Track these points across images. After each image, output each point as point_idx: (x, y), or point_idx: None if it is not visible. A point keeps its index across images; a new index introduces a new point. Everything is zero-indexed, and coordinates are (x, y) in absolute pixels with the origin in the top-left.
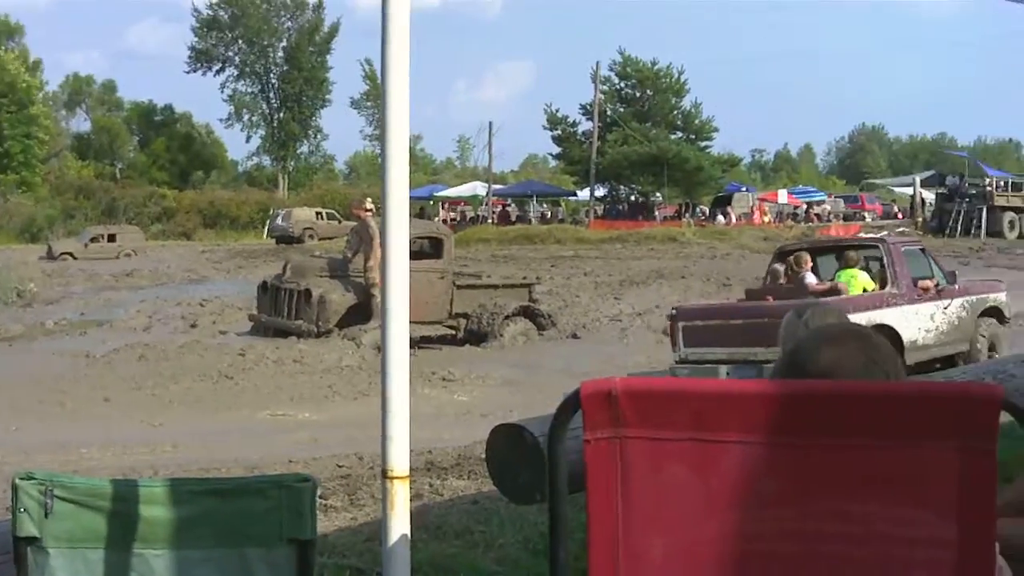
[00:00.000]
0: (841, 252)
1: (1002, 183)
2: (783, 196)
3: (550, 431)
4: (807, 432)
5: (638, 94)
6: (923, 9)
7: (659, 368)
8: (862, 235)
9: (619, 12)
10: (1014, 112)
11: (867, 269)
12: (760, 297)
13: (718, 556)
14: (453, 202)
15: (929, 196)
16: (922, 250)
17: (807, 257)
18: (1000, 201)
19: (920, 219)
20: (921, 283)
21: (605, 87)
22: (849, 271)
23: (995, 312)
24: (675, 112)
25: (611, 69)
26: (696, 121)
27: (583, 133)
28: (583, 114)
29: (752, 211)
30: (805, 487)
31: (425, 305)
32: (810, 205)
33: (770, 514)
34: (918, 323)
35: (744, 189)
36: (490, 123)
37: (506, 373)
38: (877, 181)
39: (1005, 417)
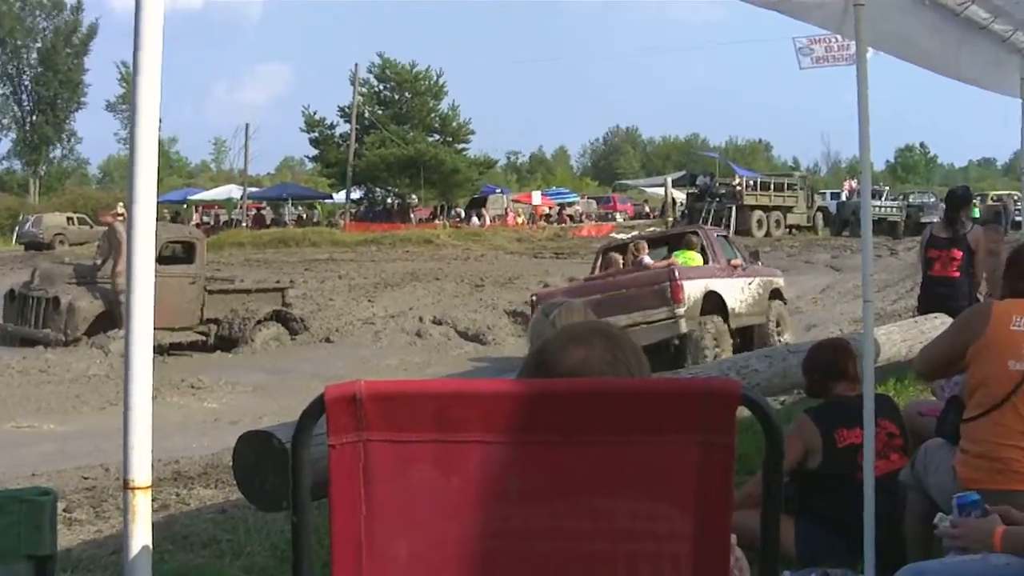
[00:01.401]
0: (665, 242)
1: (751, 182)
2: (537, 197)
3: (294, 436)
4: (551, 430)
5: (396, 96)
6: (677, 13)
7: (410, 371)
8: (681, 227)
9: (379, 15)
10: (764, 114)
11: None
12: (603, 280)
13: (464, 557)
14: (208, 205)
15: (680, 196)
16: (725, 237)
17: (644, 244)
18: (749, 200)
19: (671, 219)
20: (732, 261)
21: (364, 89)
22: (687, 252)
23: (778, 294)
24: (433, 115)
25: (370, 71)
26: (453, 124)
27: (341, 135)
28: (341, 116)
29: (506, 213)
30: (551, 485)
31: (175, 311)
32: (563, 206)
33: (516, 513)
34: (734, 293)
35: (499, 191)
36: (247, 125)
37: (257, 379)
38: (629, 182)
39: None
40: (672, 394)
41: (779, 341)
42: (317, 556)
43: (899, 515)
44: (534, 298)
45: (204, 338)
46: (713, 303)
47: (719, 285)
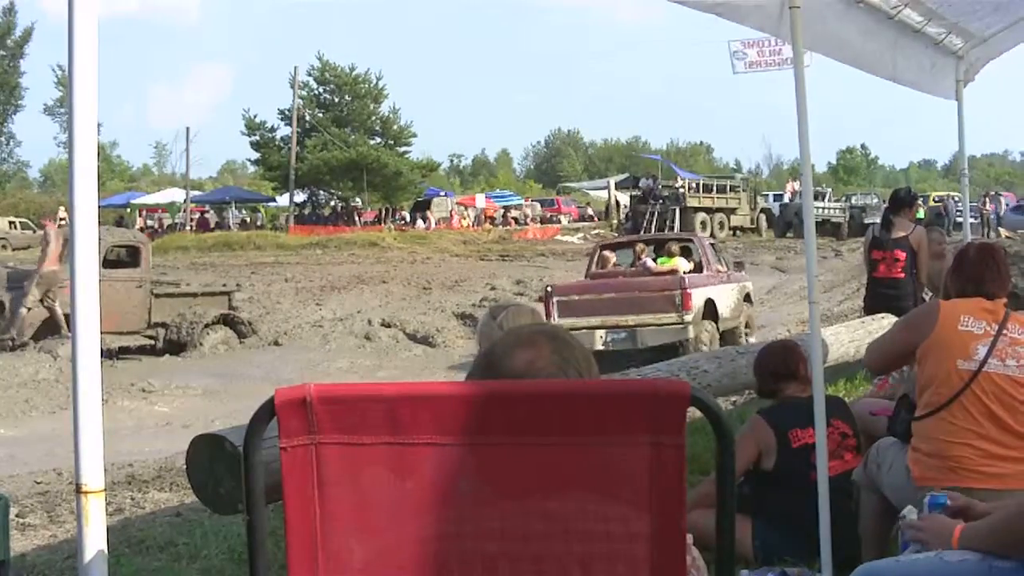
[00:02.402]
0: (660, 244)
1: (694, 184)
2: (481, 200)
3: (245, 440)
4: (503, 432)
5: (337, 99)
6: (618, 16)
7: (360, 373)
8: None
9: (318, 18)
10: (704, 116)
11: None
12: (612, 278)
13: (418, 558)
14: (151, 209)
15: (623, 198)
16: (712, 245)
17: (646, 248)
18: (692, 202)
19: (615, 221)
20: (718, 268)
21: (304, 92)
22: (671, 260)
23: (748, 297)
24: (373, 117)
25: (310, 74)
26: (395, 126)
27: (282, 138)
28: (282, 119)
29: (451, 215)
30: (503, 486)
31: (123, 315)
32: (507, 209)
33: (470, 514)
34: (723, 299)
35: (443, 194)
36: (187, 128)
37: (207, 383)
38: (573, 184)
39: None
40: (622, 395)
41: (747, 342)
42: (274, 559)
43: (854, 514)
44: (549, 288)
45: (152, 342)
46: (710, 311)
47: (714, 292)
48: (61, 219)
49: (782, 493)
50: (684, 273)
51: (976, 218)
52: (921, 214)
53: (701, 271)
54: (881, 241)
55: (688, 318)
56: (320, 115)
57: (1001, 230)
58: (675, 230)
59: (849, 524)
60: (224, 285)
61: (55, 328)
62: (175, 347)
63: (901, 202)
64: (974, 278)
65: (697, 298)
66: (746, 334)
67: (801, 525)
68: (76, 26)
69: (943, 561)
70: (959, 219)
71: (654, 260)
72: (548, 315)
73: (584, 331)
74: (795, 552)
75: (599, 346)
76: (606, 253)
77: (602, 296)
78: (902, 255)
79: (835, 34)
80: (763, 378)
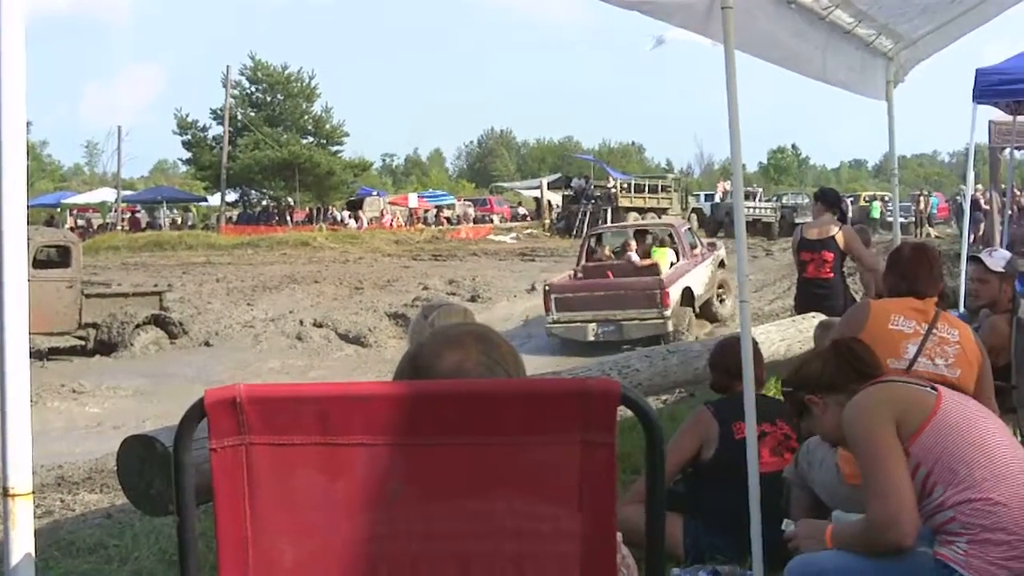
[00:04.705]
0: (642, 234)
1: (626, 184)
2: (413, 200)
3: (175, 440)
4: (432, 432)
5: (269, 99)
6: (548, 16)
7: (291, 374)
8: (656, 220)
9: (250, 17)
10: (636, 116)
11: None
12: (602, 273)
13: (349, 559)
14: (82, 209)
15: (556, 198)
16: (689, 229)
17: (632, 242)
18: (624, 202)
19: (548, 221)
20: (692, 252)
21: (236, 91)
22: (661, 249)
23: (722, 264)
24: (306, 117)
25: (242, 73)
26: (327, 126)
27: (214, 138)
28: (214, 118)
29: (383, 215)
30: (434, 486)
31: (53, 315)
32: (440, 208)
33: (401, 515)
34: (698, 279)
35: (375, 193)
36: (119, 128)
37: (138, 383)
38: (505, 184)
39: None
40: (552, 394)
41: (721, 303)
42: (205, 560)
43: (786, 511)
44: (548, 286)
45: (83, 342)
46: (687, 298)
47: (689, 279)
48: None
49: (717, 489)
50: (671, 265)
51: (907, 217)
52: (876, 212)
53: (679, 259)
54: (808, 242)
55: (667, 313)
56: (252, 114)
57: (931, 230)
58: None
59: (782, 521)
60: (155, 285)
61: None
62: (106, 348)
63: (828, 202)
64: (908, 276)
65: (674, 293)
66: (720, 296)
67: (733, 522)
68: (2, 23)
69: None
70: (889, 219)
71: (638, 254)
72: (548, 310)
73: (579, 324)
74: (727, 550)
75: (591, 337)
76: (592, 243)
77: (593, 293)
78: (830, 256)
79: (765, 34)
80: (718, 374)
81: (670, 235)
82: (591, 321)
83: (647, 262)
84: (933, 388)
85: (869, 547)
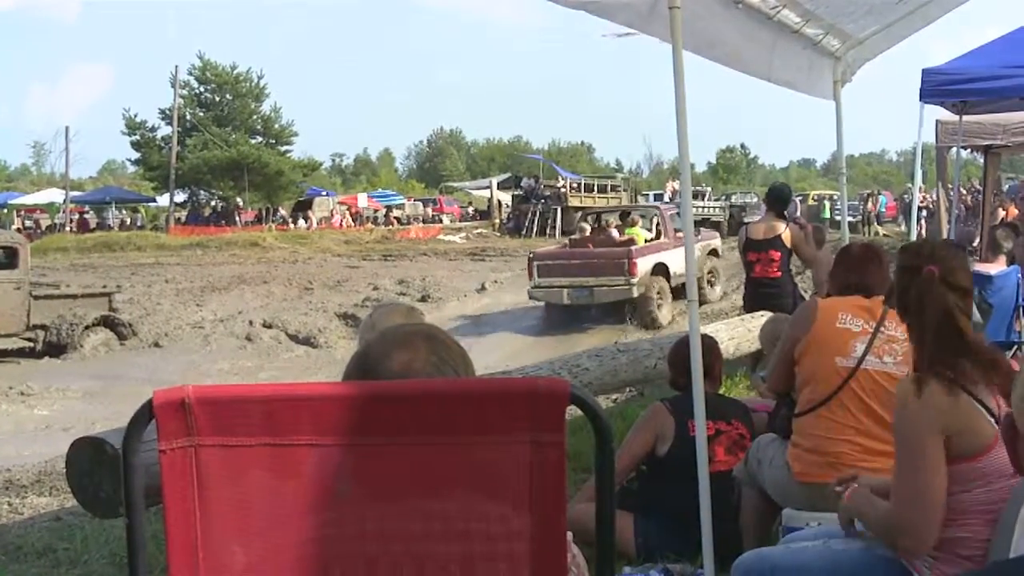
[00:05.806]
0: (625, 216)
1: (575, 184)
2: (363, 200)
3: (124, 442)
4: (382, 432)
5: (218, 98)
6: (496, 17)
7: (241, 375)
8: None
9: (198, 16)
10: (585, 116)
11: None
12: (584, 246)
13: (300, 560)
14: (29, 210)
15: (505, 198)
16: (678, 213)
17: (612, 220)
18: (574, 201)
19: (497, 220)
20: (677, 235)
21: (185, 91)
22: (633, 228)
23: (715, 253)
24: (255, 116)
25: (191, 73)
26: (276, 126)
27: (163, 138)
28: (162, 119)
29: (332, 215)
30: (383, 487)
31: (1, 317)
32: (389, 208)
33: (350, 516)
34: (678, 260)
35: (324, 193)
36: (67, 128)
37: (87, 385)
38: (455, 184)
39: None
40: (501, 394)
41: (710, 289)
42: (155, 562)
43: (737, 510)
44: (532, 255)
45: (31, 344)
46: (661, 271)
47: (666, 256)
48: None
49: (669, 487)
50: (645, 241)
51: (855, 216)
52: (827, 213)
53: (661, 238)
54: (754, 242)
55: (634, 281)
56: (201, 114)
57: (879, 228)
58: (556, 229)
59: (733, 520)
60: (104, 286)
61: None
62: (55, 349)
63: (772, 200)
64: (857, 272)
65: (644, 264)
66: (709, 283)
67: (686, 520)
68: None
69: (829, 549)
70: (837, 217)
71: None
72: (530, 276)
73: (556, 288)
74: (677, 548)
75: (566, 300)
76: (583, 224)
77: (571, 261)
78: (777, 255)
79: (712, 34)
80: (678, 371)
81: (654, 216)
82: (567, 287)
83: (624, 238)
84: (994, 421)
85: (880, 535)
